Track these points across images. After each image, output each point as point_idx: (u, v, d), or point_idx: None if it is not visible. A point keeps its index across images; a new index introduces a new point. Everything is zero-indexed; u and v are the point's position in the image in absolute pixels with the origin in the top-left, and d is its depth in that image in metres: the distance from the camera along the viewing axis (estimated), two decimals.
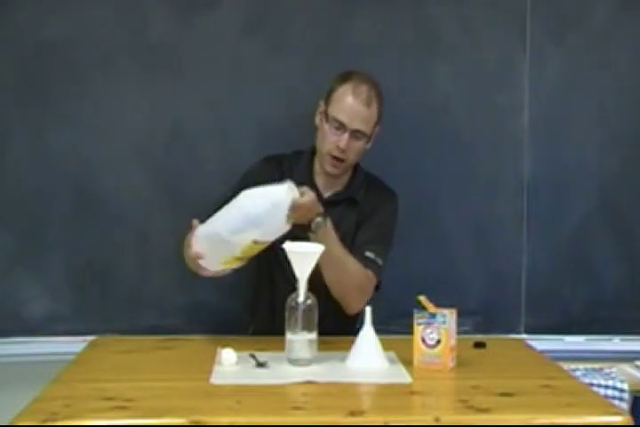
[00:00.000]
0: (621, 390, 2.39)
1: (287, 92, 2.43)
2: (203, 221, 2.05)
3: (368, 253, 2.15)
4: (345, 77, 2.19)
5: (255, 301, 2.37)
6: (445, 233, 2.60)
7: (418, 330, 1.92)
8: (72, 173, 2.51)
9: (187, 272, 2.49)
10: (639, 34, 2.63)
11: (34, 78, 2.48)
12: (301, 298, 1.90)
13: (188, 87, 2.53)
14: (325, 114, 2.19)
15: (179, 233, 2.51)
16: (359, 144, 2.18)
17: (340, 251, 2.07)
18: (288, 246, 1.91)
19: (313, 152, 2.28)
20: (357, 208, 2.26)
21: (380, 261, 2.17)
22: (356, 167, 2.30)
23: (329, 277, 2.07)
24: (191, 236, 2.06)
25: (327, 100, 2.20)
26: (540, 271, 2.48)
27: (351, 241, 2.20)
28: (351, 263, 2.11)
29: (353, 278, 2.11)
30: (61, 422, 1.57)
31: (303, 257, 1.91)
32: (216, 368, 1.89)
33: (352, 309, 2.14)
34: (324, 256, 1.92)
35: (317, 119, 2.23)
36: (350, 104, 2.15)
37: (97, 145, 2.51)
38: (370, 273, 2.15)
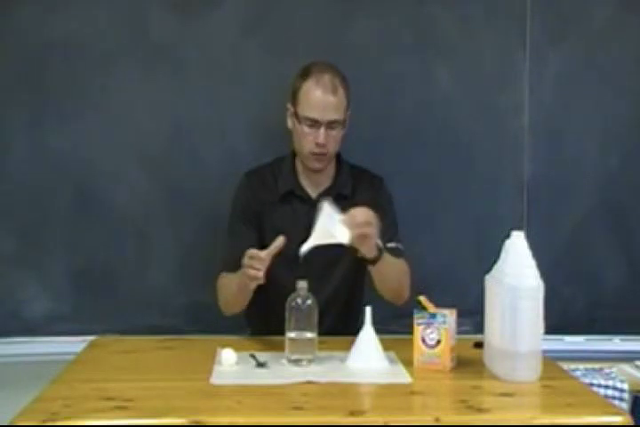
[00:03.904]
0: (621, 390, 2.40)
1: (287, 92, 2.42)
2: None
3: (391, 245, 2.19)
4: (305, 74, 2.20)
5: (251, 299, 2.37)
6: (445, 233, 2.60)
7: (418, 330, 1.92)
8: (72, 173, 2.51)
9: (187, 272, 2.52)
10: (639, 34, 2.63)
11: (34, 78, 2.48)
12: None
13: (188, 87, 2.53)
14: (296, 115, 2.20)
15: (179, 233, 2.53)
16: (337, 133, 2.19)
17: (390, 258, 2.10)
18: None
19: (294, 155, 2.29)
20: (349, 202, 2.26)
21: (401, 246, 2.22)
22: (339, 160, 2.30)
23: (390, 284, 2.14)
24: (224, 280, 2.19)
25: (294, 100, 2.21)
26: (539, 271, 2.48)
27: None
28: (399, 262, 2.16)
29: (405, 273, 2.19)
30: (61, 423, 1.57)
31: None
32: (216, 368, 1.89)
33: (405, 297, 2.20)
34: (383, 271, 2.05)
35: (289, 122, 2.25)
36: (318, 98, 2.15)
37: (97, 145, 2.51)
38: (403, 261, 2.20)
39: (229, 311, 2.23)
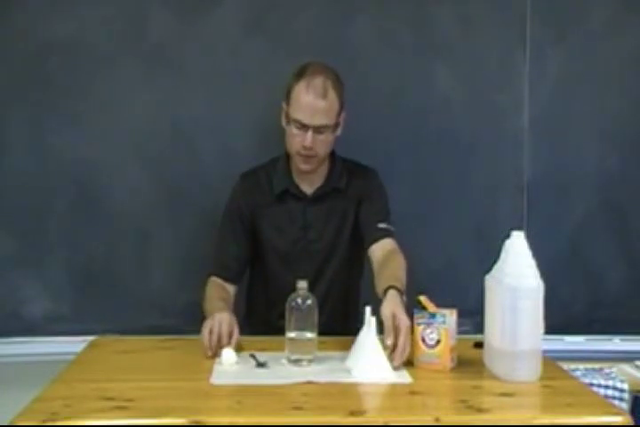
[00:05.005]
0: (621, 390, 2.39)
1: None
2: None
3: (381, 225, 2.22)
4: (299, 74, 2.18)
5: (250, 298, 2.38)
6: (445, 233, 2.60)
7: (418, 330, 1.92)
8: (72, 172, 2.51)
9: (187, 272, 2.52)
10: (639, 34, 2.63)
11: (34, 78, 2.48)
12: None
13: (189, 87, 2.53)
14: (287, 115, 2.19)
15: (179, 233, 2.54)
16: (325, 137, 2.18)
17: (403, 281, 2.06)
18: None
19: (287, 155, 2.29)
20: (344, 195, 2.29)
21: (391, 227, 2.24)
22: (333, 157, 2.31)
23: None
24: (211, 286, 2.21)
25: (287, 100, 2.20)
26: (539, 271, 2.48)
27: (350, 227, 2.27)
28: (403, 267, 2.12)
29: (404, 267, 2.13)
30: (61, 423, 1.57)
31: None
32: (216, 368, 1.89)
33: None
34: None
35: (283, 121, 2.24)
36: (306, 102, 2.14)
37: (97, 145, 2.51)
38: (392, 241, 2.21)
39: None
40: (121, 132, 2.52)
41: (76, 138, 2.50)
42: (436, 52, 2.59)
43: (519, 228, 1.91)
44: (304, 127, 2.15)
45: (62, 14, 2.48)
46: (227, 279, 2.25)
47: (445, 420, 1.61)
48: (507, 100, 2.61)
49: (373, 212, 2.26)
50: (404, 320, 1.87)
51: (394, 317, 1.88)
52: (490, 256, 1.90)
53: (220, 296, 2.15)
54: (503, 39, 2.61)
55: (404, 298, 1.96)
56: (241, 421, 1.60)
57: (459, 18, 2.58)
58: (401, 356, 1.86)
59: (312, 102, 2.13)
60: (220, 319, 1.97)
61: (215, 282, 2.24)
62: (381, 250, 2.18)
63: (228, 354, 1.92)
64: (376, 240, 2.20)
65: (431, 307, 1.94)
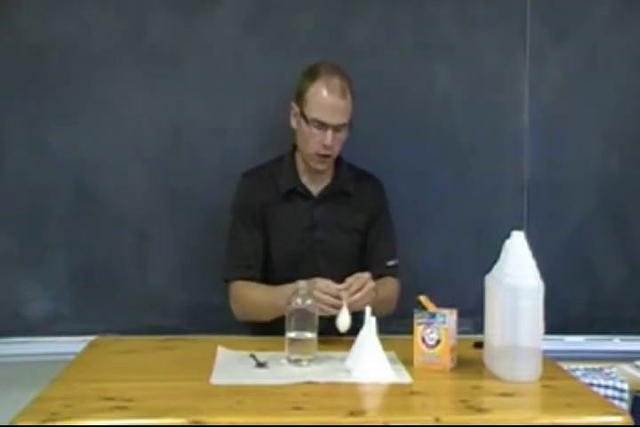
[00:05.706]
0: (621, 390, 2.39)
1: (287, 91, 2.42)
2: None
3: (390, 263, 2.26)
4: (313, 74, 2.19)
5: None
6: (445, 233, 2.60)
7: (418, 330, 1.92)
8: (72, 173, 2.50)
9: (187, 272, 2.52)
10: (639, 34, 2.63)
11: (34, 78, 2.48)
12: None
13: (189, 87, 2.53)
14: (303, 116, 2.19)
15: (179, 233, 2.53)
16: (342, 135, 2.20)
17: (380, 296, 2.10)
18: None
19: (293, 154, 2.30)
20: (352, 200, 2.30)
21: (397, 261, 2.29)
22: (338, 158, 2.31)
23: (378, 313, 2.02)
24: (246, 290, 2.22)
25: (300, 100, 2.20)
26: (539, 271, 2.48)
27: (356, 231, 2.29)
28: (388, 292, 2.22)
29: (392, 301, 2.26)
30: (61, 423, 1.57)
31: None
32: (216, 368, 1.89)
33: (392, 310, 2.26)
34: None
35: (294, 122, 2.24)
36: (328, 102, 2.15)
37: (97, 145, 2.51)
38: (394, 281, 2.27)
39: (247, 320, 2.26)
40: (121, 132, 2.52)
41: (76, 138, 2.50)
42: (436, 51, 2.59)
43: (519, 228, 1.91)
44: (324, 126, 2.16)
45: (62, 14, 2.47)
46: (252, 279, 2.23)
47: (445, 420, 1.62)
48: (507, 100, 2.61)
49: (382, 243, 2.29)
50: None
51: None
52: (490, 256, 1.91)
53: (271, 287, 2.18)
54: (503, 39, 2.61)
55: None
56: (241, 421, 1.60)
57: (459, 18, 2.58)
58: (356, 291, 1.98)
59: (333, 102, 2.15)
60: (320, 281, 2.02)
61: (248, 285, 2.22)
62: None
63: (345, 317, 1.97)
64: (380, 276, 2.21)
65: (431, 307, 1.94)
